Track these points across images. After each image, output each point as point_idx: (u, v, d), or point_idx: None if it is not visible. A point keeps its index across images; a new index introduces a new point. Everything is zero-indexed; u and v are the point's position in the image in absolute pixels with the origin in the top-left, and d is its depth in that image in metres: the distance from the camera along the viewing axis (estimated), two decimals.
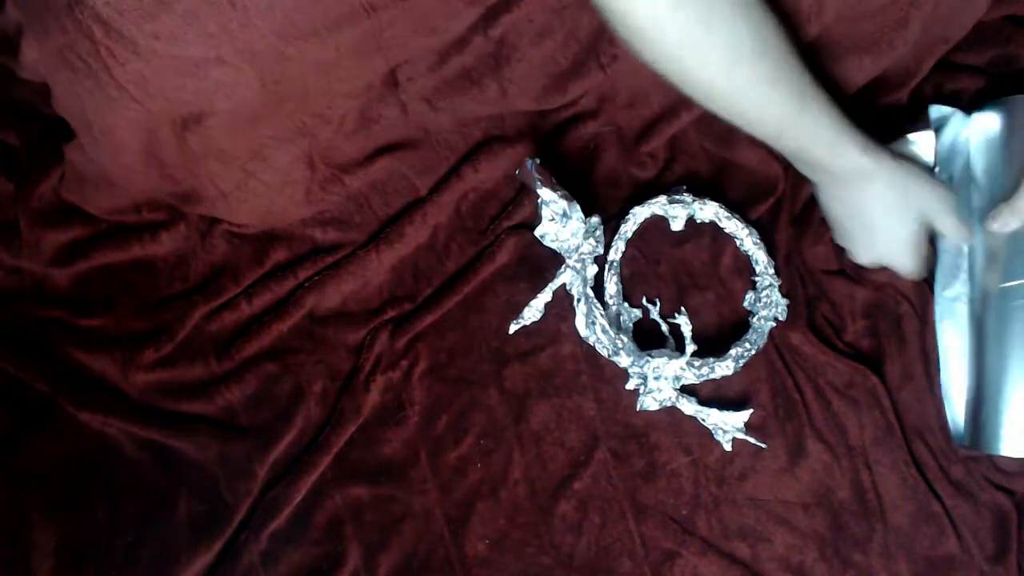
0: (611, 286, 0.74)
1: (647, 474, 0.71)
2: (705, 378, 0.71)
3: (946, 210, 0.68)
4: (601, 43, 0.68)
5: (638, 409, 0.71)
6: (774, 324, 0.73)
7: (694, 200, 0.75)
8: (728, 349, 0.72)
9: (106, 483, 0.70)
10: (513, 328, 0.72)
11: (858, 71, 0.70)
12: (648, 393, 0.70)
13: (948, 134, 0.73)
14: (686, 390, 0.72)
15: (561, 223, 0.67)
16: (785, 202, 0.78)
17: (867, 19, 0.66)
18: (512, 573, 0.69)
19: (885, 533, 0.71)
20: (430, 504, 0.70)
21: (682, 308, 0.74)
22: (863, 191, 0.66)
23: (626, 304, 0.75)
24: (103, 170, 0.69)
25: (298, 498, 0.69)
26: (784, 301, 0.74)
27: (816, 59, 0.69)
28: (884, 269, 0.75)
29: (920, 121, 0.74)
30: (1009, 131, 0.72)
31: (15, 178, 0.75)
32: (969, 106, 0.74)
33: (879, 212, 0.67)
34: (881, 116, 0.78)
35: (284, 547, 0.69)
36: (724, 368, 0.71)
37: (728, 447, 0.71)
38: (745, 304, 0.75)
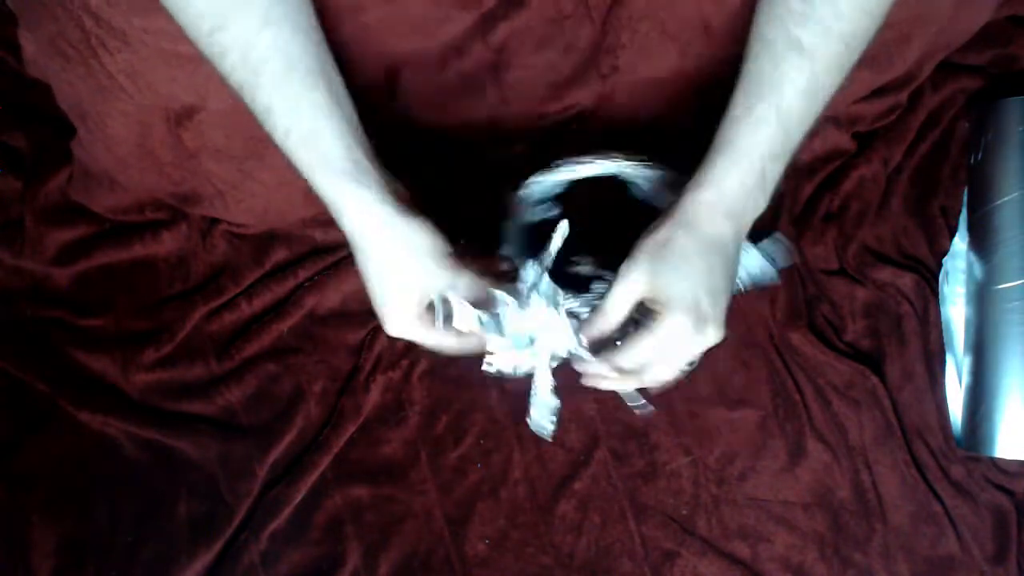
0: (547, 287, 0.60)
1: (647, 474, 0.71)
2: (590, 304, 0.61)
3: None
4: (601, 53, 0.68)
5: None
6: None
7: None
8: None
9: (106, 483, 0.70)
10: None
11: (858, 84, 0.70)
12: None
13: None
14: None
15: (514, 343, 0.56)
16: (785, 202, 0.78)
17: None
18: (512, 573, 0.69)
19: (885, 533, 0.71)
20: (430, 504, 0.70)
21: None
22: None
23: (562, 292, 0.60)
24: (103, 165, 0.69)
25: (298, 498, 0.70)
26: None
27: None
28: (886, 268, 0.75)
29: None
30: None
31: (23, 176, 0.75)
32: (968, 106, 0.73)
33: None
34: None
35: (284, 547, 0.69)
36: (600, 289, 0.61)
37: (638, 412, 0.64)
38: None
